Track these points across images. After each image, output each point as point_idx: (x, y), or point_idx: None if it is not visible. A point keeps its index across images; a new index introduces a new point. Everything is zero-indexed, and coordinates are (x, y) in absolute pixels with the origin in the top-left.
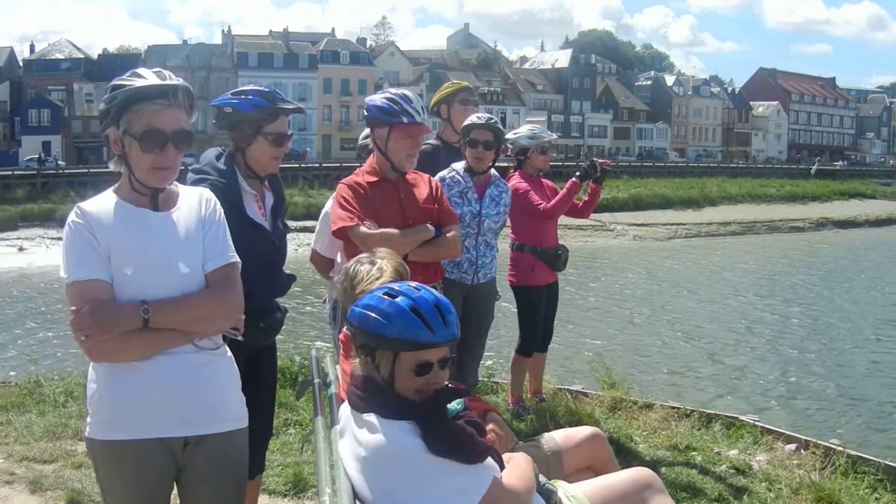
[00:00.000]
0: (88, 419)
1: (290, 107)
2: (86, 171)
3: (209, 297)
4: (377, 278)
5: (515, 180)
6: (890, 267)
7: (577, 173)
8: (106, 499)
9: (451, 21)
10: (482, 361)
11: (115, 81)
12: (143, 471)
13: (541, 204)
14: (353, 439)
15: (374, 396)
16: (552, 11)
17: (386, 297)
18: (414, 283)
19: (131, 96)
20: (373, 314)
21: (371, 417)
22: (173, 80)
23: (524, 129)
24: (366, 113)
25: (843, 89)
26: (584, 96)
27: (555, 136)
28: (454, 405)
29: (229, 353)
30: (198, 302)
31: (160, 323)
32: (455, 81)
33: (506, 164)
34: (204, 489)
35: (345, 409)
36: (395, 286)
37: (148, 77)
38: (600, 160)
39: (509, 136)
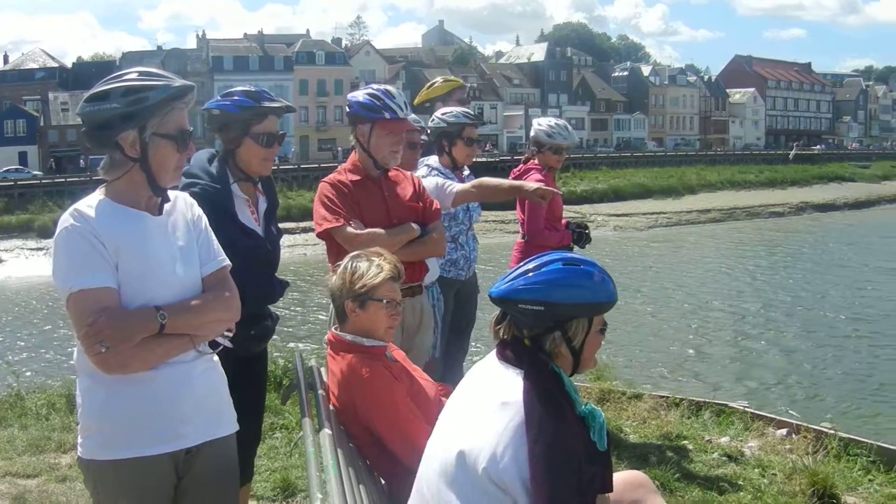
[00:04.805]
0: (81, 440)
1: (278, 105)
2: (63, 180)
3: (215, 299)
4: (377, 274)
5: (538, 177)
6: (873, 251)
7: (575, 238)
8: None
9: (422, 18)
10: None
11: (130, 83)
12: (151, 487)
13: (539, 226)
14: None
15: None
16: (523, 5)
17: (571, 265)
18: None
19: (169, 97)
20: (574, 284)
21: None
22: (177, 78)
23: (546, 124)
24: (348, 109)
25: (819, 74)
26: (561, 89)
27: (575, 141)
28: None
29: (215, 357)
30: (207, 305)
31: (174, 328)
32: (449, 78)
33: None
34: (200, 496)
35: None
36: (557, 255)
37: (168, 76)
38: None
39: (533, 125)
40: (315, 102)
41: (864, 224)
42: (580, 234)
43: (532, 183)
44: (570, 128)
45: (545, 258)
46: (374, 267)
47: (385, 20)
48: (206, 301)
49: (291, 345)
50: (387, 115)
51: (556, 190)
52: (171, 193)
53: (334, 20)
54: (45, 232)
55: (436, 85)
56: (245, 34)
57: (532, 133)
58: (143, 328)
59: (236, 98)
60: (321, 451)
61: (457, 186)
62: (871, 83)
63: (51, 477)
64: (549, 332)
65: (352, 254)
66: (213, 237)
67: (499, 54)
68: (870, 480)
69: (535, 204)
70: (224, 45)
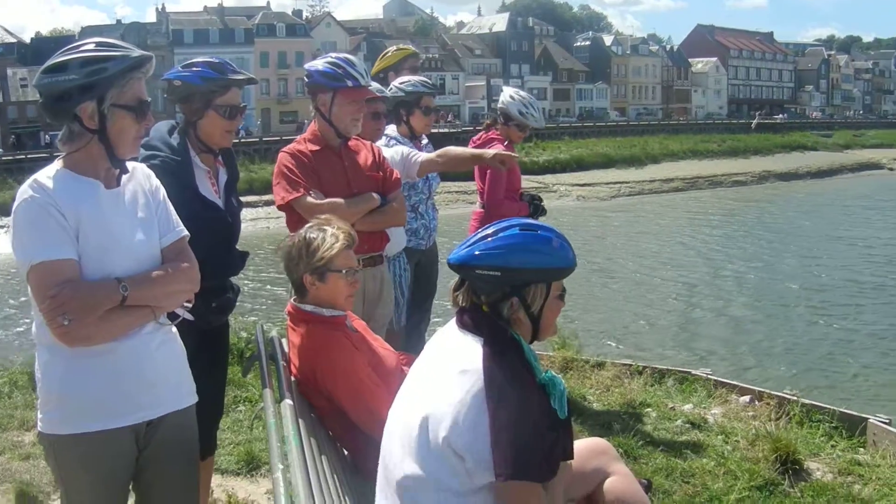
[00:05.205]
0: (42, 415)
1: (241, 77)
2: (24, 157)
3: (176, 270)
4: (333, 244)
5: (501, 147)
6: (833, 221)
7: (531, 210)
8: (69, 494)
9: None
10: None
11: (89, 54)
12: (112, 461)
13: (498, 195)
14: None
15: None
16: None
17: (528, 230)
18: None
19: (127, 67)
20: (531, 249)
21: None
22: (135, 48)
23: (520, 101)
24: (307, 79)
25: (781, 43)
26: (523, 59)
27: (542, 125)
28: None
29: (174, 329)
30: (168, 276)
31: (136, 299)
32: (401, 47)
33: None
34: (161, 468)
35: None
36: (515, 221)
37: (126, 46)
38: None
39: (504, 94)
40: (276, 75)
41: (825, 193)
42: (536, 207)
43: (491, 150)
44: (540, 108)
45: (503, 224)
46: (329, 237)
47: None
48: (167, 272)
49: (253, 318)
50: (349, 84)
51: (514, 155)
52: (129, 165)
53: None
54: (6, 209)
55: (388, 54)
56: (205, 7)
57: (502, 103)
58: (106, 300)
59: (199, 69)
60: (282, 421)
61: (422, 156)
62: (833, 52)
63: (14, 455)
64: (506, 297)
65: (306, 227)
66: (171, 208)
67: (460, 25)
68: (832, 446)
69: (496, 172)
70: (184, 18)
